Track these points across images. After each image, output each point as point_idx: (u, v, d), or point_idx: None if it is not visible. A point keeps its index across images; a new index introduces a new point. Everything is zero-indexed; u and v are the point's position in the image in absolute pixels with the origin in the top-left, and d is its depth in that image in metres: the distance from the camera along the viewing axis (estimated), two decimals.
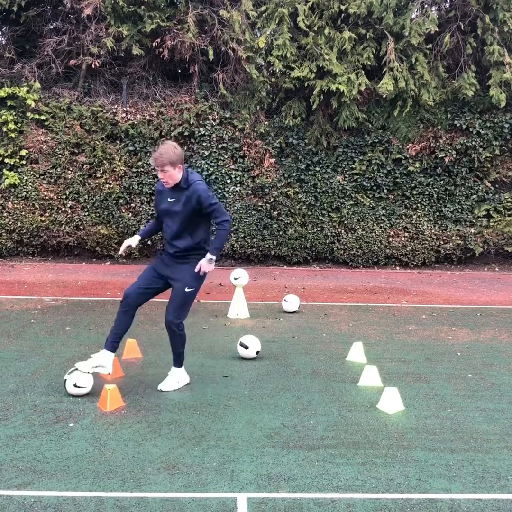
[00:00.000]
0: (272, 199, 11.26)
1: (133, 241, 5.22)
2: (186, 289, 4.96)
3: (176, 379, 5.27)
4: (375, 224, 11.48)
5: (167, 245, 5.11)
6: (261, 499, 3.51)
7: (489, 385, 5.50)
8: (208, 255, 4.91)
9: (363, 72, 10.71)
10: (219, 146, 11.23)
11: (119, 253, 5.45)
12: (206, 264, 4.91)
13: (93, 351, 6.17)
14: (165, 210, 5.00)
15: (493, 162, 11.48)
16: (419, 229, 11.51)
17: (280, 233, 11.39)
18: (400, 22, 10.50)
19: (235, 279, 7.87)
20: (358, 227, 11.44)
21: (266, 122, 11.28)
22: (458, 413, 4.83)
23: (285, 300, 8.12)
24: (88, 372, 4.98)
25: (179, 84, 11.60)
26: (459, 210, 11.60)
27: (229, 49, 10.64)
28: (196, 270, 4.91)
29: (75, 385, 4.92)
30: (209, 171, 11.16)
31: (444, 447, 4.23)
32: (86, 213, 11.15)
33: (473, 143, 11.24)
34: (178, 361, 5.28)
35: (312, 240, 11.45)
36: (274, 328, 7.28)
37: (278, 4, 10.55)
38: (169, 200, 4.96)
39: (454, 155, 11.30)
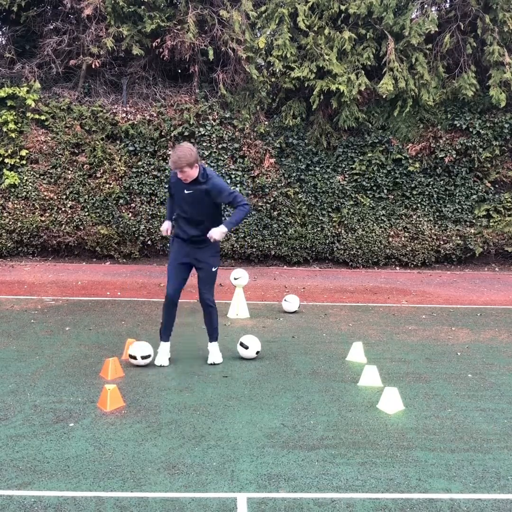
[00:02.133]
0: (272, 199, 11.26)
1: (168, 223, 5.81)
2: (213, 269, 5.75)
3: (217, 349, 5.97)
4: (375, 224, 11.48)
5: (181, 231, 5.70)
6: (261, 499, 3.51)
7: (489, 385, 5.51)
8: (222, 226, 5.56)
9: (363, 72, 10.70)
10: (219, 146, 11.23)
11: (164, 233, 5.86)
12: (217, 232, 5.50)
13: (93, 351, 6.18)
14: (185, 201, 5.56)
15: (493, 162, 11.47)
16: (419, 229, 11.51)
17: (280, 233, 11.39)
18: (400, 22, 10.49)
19: (235, 279, 7.87)
20: (358, 227, 11.44)
21: (266, 122, 11.27)
22: (458, 413, 4.84)
23: (285, 300, 8.12)
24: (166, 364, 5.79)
25: (179, 84, 11.60)
26: (459, 210, 11.60)
27: (229, 49, 10.63)
28: (210, 239, 5.52)
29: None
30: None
31: (444, 447, 4.23)
32: (86, 213, 11.15)
33: (473, 143, 11.24)
34: (215, 335, 5.97)
35: (312, 240, 11.45)
36: (274, 328, 7.29)
37: (278, 4, 10.54)
38: (186, 192, 5.52)
39: (454, 155, 11.30)
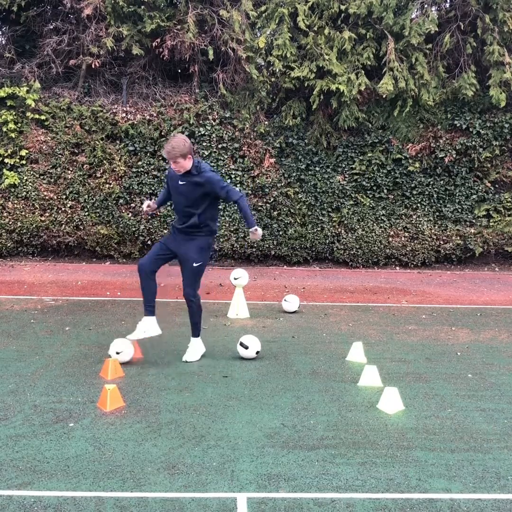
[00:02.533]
0: (272, 199, 11.26)
1: (153, 204, 5.98)
2: (194, 264, 5.68)
3: (196, 348, 5.98)
4: (375, 224, 11.48)
5: (176, 221, 5.84)
6: (261, 499, 3.51)
7: (489, 385, 5.51)
8: (250, 229, 5.75)
9: (363, 72, 10.70)
10: (219, 146, 11.23)
11: (143, 211, 6.07)
12: (253, 235, 5.73)
13: (93, 351, 6.18)
14: (178, 191, 5.68)
15: (493, 162, 11.47)
16: (419, 229, 11.51)
17: (280, 233, 11.39)
18: (400, 22, 10.49)
19: (235, 279, 7.87)
20: (358, 227, 11.44)
21: (266, 122, 11.27)
22: (458, 413, 4.84)
23: (285, 300, 8.12)
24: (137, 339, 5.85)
25: (179, 84, 11.59)
26: (459, 210, 11.60)
27: (229, 49, 10.63)
28: (251, 239, 5.64)
29: (116, 352, 5.72)
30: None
31: (444, 447, 4.23)
32: (86, 213, 11.15)
33: (473, 143, 11.24)
34: (196, 331, 6.00)
35: (312, 240, 11.45)
36: (274, 328, 7.29)
37: (278, 4, 10.54)
38: (180, 183, 5.63)
39: (454, 155, 11.30)
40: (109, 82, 11.55)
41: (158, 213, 11.07)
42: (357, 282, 10.31)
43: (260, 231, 5.76)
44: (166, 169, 11.12)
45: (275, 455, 4.04)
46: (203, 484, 3.65)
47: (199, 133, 11.12)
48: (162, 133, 11.12)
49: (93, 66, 10.86)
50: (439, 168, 11.43)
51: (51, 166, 11.12)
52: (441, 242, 11.60)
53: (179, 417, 4.62)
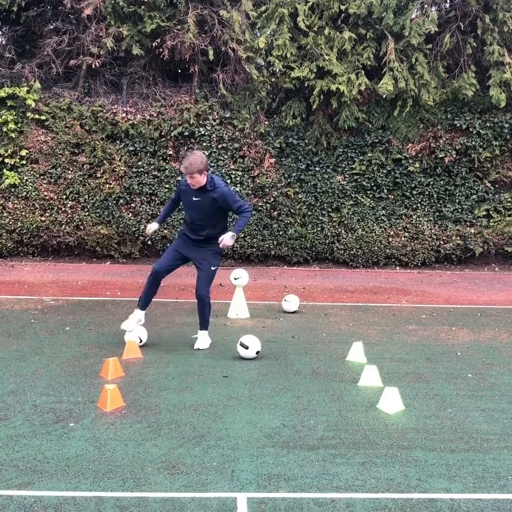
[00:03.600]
0: (272, 199, 11.26)
1: (155, 225, 6.60)
2: (212, 268, 6.25)
3: (205, 338, 6.43)
4: (375, 224, 11.48)
5: (189, 232, 6.30)
6: (261, 499, 3.51)
7: (489, 385, 5.51)
8: (231, 233, 6.06)
9: (363, 72, 10.70)
10: (219, 146, 11.23)
11: (148, 234, 6.76)
12: (228, 239, 6.04)
13: (93, 351, 6.19)
14: (191, 205, 6.13)
15: (493, 162, 11.47)
16: (419, 229, 11.51)
17: (280, 233, 11.39)
18: (400, 22, 10.49)
19: (235, 279, 7.87)
20: (358, 227, 11.44)
21: (266, 122, 11.27)
22: (458, 413, 4.84)
23: (285, 300, 8.12)
24: (132, 330, 6.39)
25: (179, 84, 11.60)
26: (459, 210, 11.60)
27: (229, 49, 10.63)
28: (220, 245, 6.07)
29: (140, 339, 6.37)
30: (209, 171, 11.15)
31: (444, 447, 4.24)
32: (86, 213, 11.15)
33: (473, 143, 11.24)
34: (205, 325, 6.43)
35: (312, 240, 11.45)
36: (274, 328, 7.29)
37: (278, 4, 10.54)
38: (194, 199, 6.06)
39: (454, 155, 11.30)
40: (109, 82, 11.55)
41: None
42: (357, 282, 10.31)
43: (234, 240, 6.14)
44: (166, 169, 11.12)
45: (275, 455, 4.05)
46: (203, 484, 3.65)
47: (199, 133, 11.13)
48: (162, 133, 11.13)
49: (93, 66, 10.86)
50: (439, 168, 11.43)
51: (51, 166, 11.12)
52: (441, 242, 11.60)
53: (179, 417, 4.62)
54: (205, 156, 5.98)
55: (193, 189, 6.00)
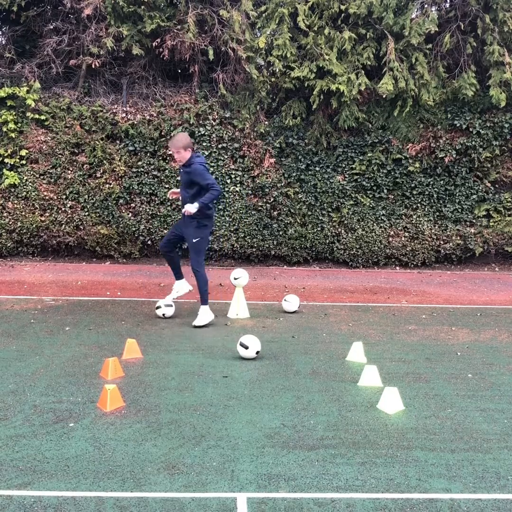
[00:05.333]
0: (272, 199, 11.26)
1: (176, 189, 7.49)
2: (193, 240, 6.98)
3: (203, 315, 7.08)
4: (375, 224, 11.48)
5: (181, 209, 7.04)
6: (261, 499, 3.51)
7: (489, 385, 5.51)
8: (195, 203, 6.75)
9: (363, 72, 10.69)
10: (219, 146, 11.22)
11: (168, 196, 7.62)
12: (190, 206, 6.76)
13: (93, 351, 6.19)
14: (181, 183, 7.10)
15: (493, 162, 11.47)
16: (419, 229, 11.50)
17: (280, 233, 11.39)
18: (400, 22, 10.49)
19: (235, 279, 7.87)
20: (358, 227, 11.44)
21: (266, 122, 11.27)
22: (458, 413, 4.84)
23: (285, 300, 8.12)
24: (172, 303, 7.44)
25: (179, 84, 11.59)
26: (459, 210, 11.60)
27: (229, 49, 10.63)
28: (182, 210, 6.84)
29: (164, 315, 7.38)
30: (209, 171, 11.15)
31: (444, 447, 4.24)
32: (86, 213, 11.14)
33: (473, 143, 11.24)
34: (203, 299, 7.10)
35: (312, 240, 11.45)
36: (274, 328, 7.29)
37: (278, 4, 10.53)
38: (181, 175, 7.04)
39: (454, 155, 11.29)
40: (109, 82, 11.55)
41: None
42: (357, 282, 10.31)
43: (194, 209, 6.72)
44: (166, 169, 11.13)
45: (275, 455, 4.05)
46: (203, 484, 3.65)
47: (199, 133, 11.12)
48: (162, 133, 11.12)
49: (93, 66, 10.86)
50: (439, 168, 11.43)
51: (51, 166, 11.12)
52: (441, 242, 11.60)
53: (179, 417, 4.62)
54: (189, 136, 7.04)
55: (181, 167, 6.91)
